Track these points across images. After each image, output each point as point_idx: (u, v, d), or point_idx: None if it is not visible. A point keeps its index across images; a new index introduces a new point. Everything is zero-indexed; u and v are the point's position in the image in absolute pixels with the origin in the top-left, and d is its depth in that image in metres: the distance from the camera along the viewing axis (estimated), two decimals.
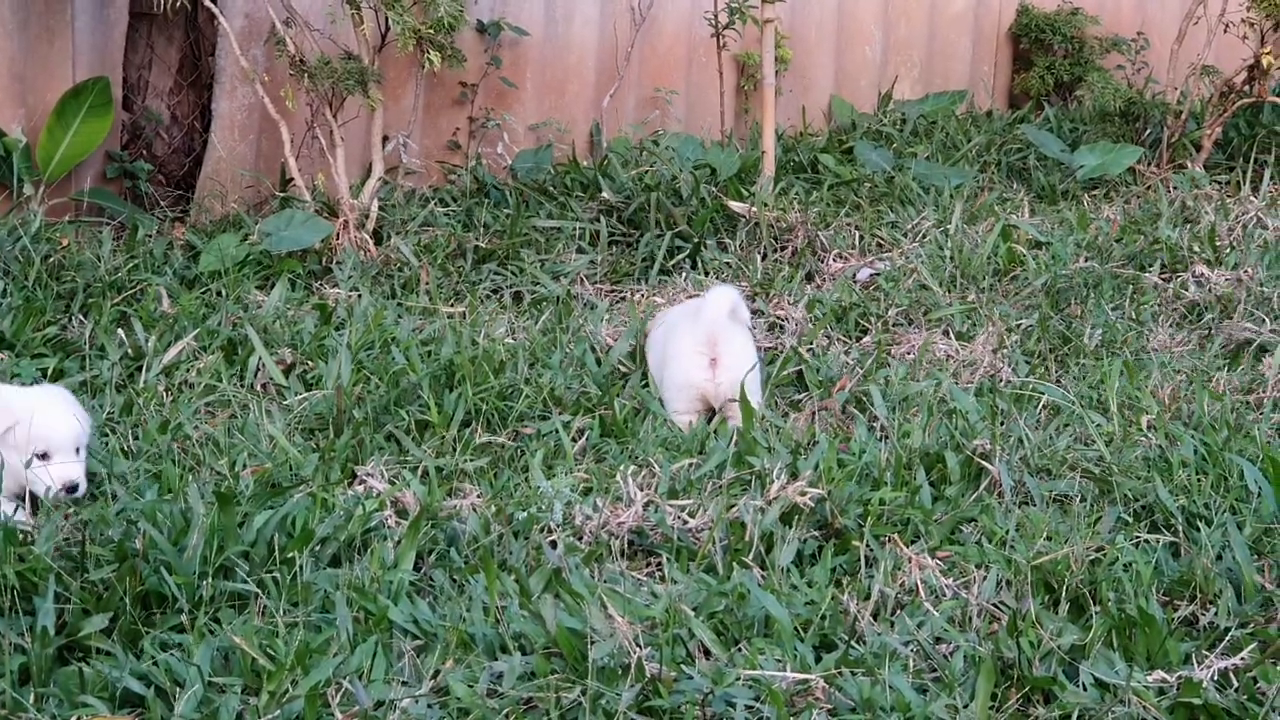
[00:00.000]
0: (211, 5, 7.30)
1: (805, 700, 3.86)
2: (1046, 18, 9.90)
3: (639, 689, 3.82)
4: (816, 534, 4.68)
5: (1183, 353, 6.24)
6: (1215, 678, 3.93)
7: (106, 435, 5.23)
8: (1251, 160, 8.75)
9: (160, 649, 3.99)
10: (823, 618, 4.18)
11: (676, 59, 8.90)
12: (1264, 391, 5.78)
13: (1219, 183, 8.56)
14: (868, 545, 4.55)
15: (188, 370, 5.81)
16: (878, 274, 7.10)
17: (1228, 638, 4.13)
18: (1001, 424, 5.41)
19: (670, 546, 4.61)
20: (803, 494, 4.71)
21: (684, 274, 7.20)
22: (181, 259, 6.93)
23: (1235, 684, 3.93)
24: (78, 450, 4.77)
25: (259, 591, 4.22)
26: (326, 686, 3.82)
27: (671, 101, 8.85)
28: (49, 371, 5.71)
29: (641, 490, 4.80)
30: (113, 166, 7.46)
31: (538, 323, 6.47)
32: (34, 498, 4.72)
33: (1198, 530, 4.65)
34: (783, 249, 7.43)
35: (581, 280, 7.09)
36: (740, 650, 4.03)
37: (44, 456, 4.70)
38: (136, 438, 5.25)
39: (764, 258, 7.31)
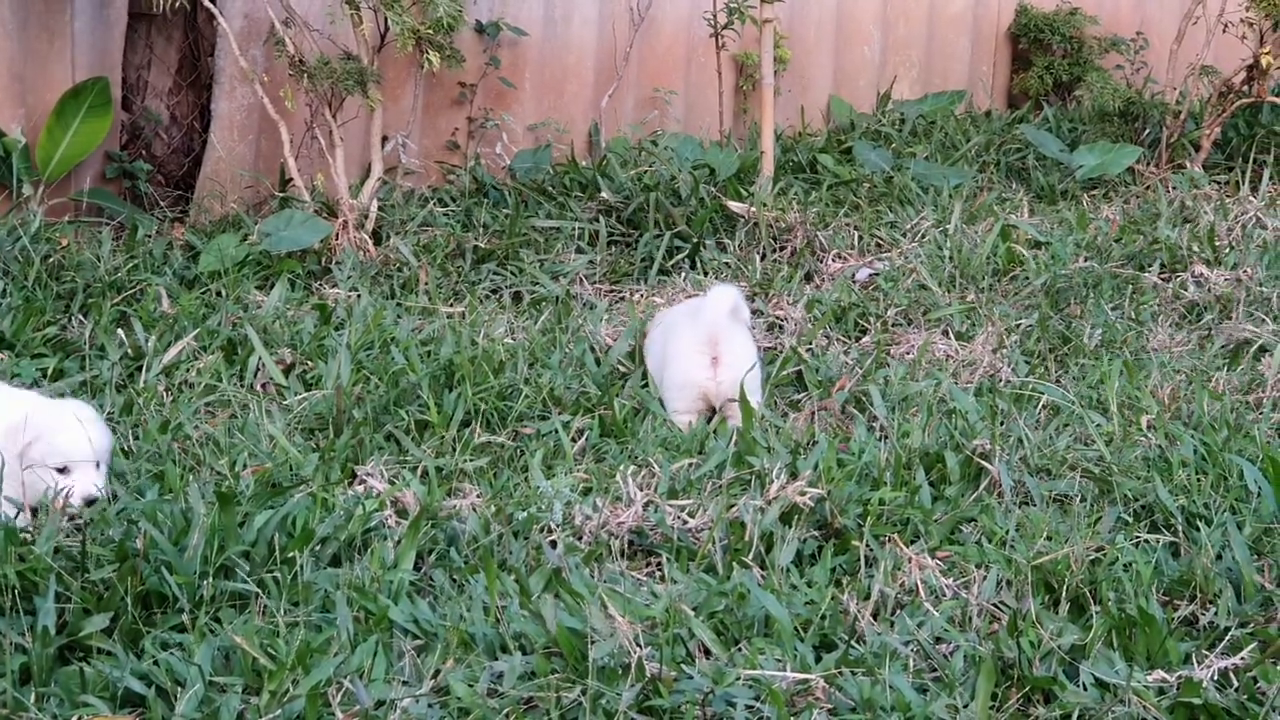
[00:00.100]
0: (211, 5, 7.30)
1: (805, 700, 3.86)
2: (1045, 18, 9.90)
3: (639, 689, 3.82)
4: (816, 534, 4.68)
5: (1182, 353, 6.24)
6: (1215, 677, 3.93)
7: None
8: (1250, 160, 8.75)
9: (161, 648, 3.99)
10: (823, 617, 4.18)
11: (675, 59, 8.90)
12: (1263, 391, 5.78)
13: (1218, 183, 8.56)
14: (867, 545, 4.55)
15: (188, 370, 5.81)
16: (877, 274, 7.10)
17: (1228, 637, 4.13)
18: (1001, 424, 5.42)
19: (670, 546, 4.61)
20: (802, 494, 4.71)
21: (683, 274, 7.20)
22: (181, 259, 6.93)
23: (1235, 684, 3.93)
24: (98, 465, 4.73)
25: (259, 591, 4.22)
26: (327, 686, 3.83)
27: (670, 102, 8.85)
28: (49, 371, 5.71)
29: (641, 490, 4.80)
30: (112, 167, 7.46)
31: (537, 323, 6.48)
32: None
33: (1198, 530, 4.65)
34: (782, 249, 7.43)
35: (581, 280, 7.10)
36: (740, 650, 4.03)
37: (63, 471, 4.67)
38: (137, 438, 5.25)
39: (763, 258, 7.32)
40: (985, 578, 4.38)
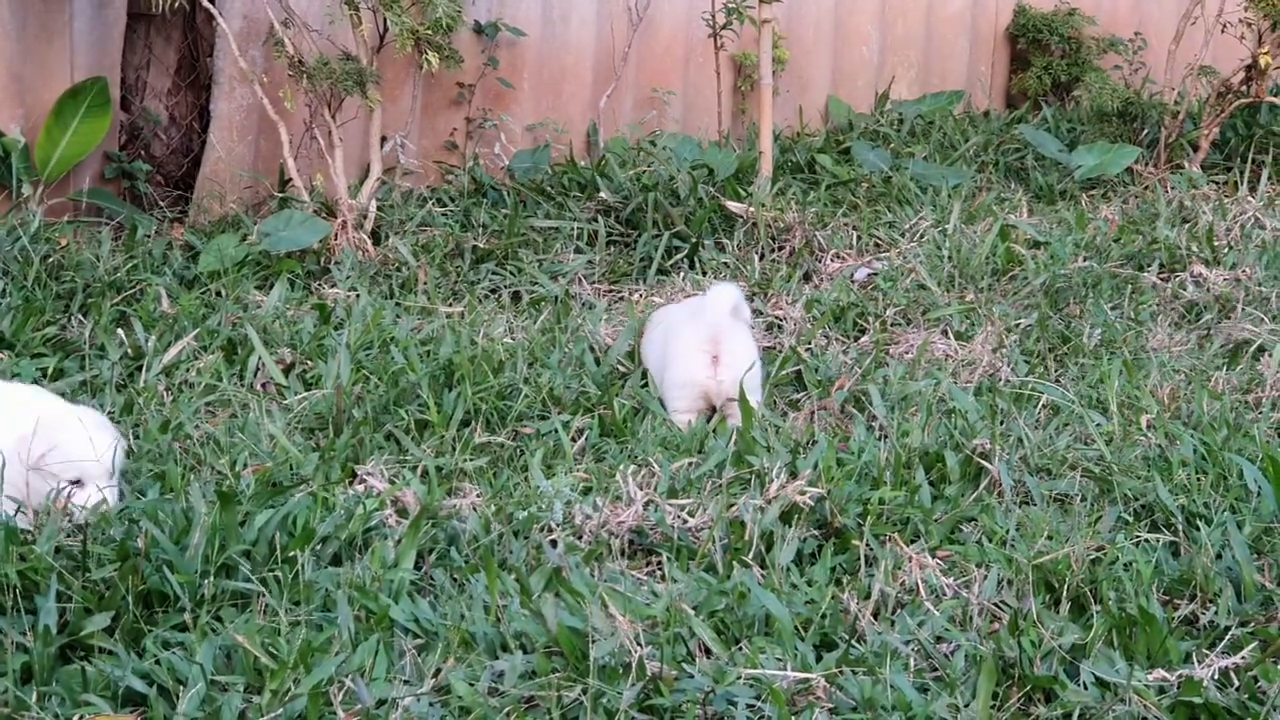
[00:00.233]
0: (210, 6, 7.30)
1: (806, 699, 3.86)
2: (1044, 18, 9.90)
3: (640, 688, 3.82)
4: (816, 533, 4.68)
5: (1181, 352, 6.25)
6: (1216, 676, 3.94)
7: None
8: (1249, 160, 8.75)
9: (162, 648, 4.00)
10: (823, 617, 4.18)
11: (674, 59, 8.91)
12: (1263, 391, 5.79)
13: (1216, 183, 8.57)
14: (867, 544, 4.56)
15: (188, 370, 5.81)
16: (876, 274, 7.10)
17: (1228, 637, 4.13)
18: (1001, 423, 5.42)
19: (670, 545, 4.61)
20: (802, 493, 4.72)
21: (682, 274, 7.20)
22: (181, 259, 6.93)
23: (1236, 683, 3.94)
24: (111, 475, 4.69)
25: (261, 590, 4.22)
26: (329, 685, 3.83)
27: (669, 102, 8.85)
28: (49, 371, 5.71)
29: (641, 489, 4.80)
30: (111, 167, 7.46)
31: (536, 322, 6.48)
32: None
33: (1197, 529, 4.66)
34: (780, 249, 7.43)
35: (580, 280, 7.10)
36: (741, 649, 4.04)
37: (77, 483, 4.63)
38: (137, 437, 5.25)
39: (762, 258, 7.32)
40: (986, 577, 4.38)
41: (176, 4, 7.08)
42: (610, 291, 7.09)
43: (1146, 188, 8.53)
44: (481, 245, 7.28)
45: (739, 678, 3.88)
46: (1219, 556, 4.51)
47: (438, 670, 3.92)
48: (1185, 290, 6.88)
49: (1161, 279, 7.00)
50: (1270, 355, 6.08)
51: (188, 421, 5.35)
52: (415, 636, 4.10)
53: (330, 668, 3.86)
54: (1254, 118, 9.20)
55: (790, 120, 9.23)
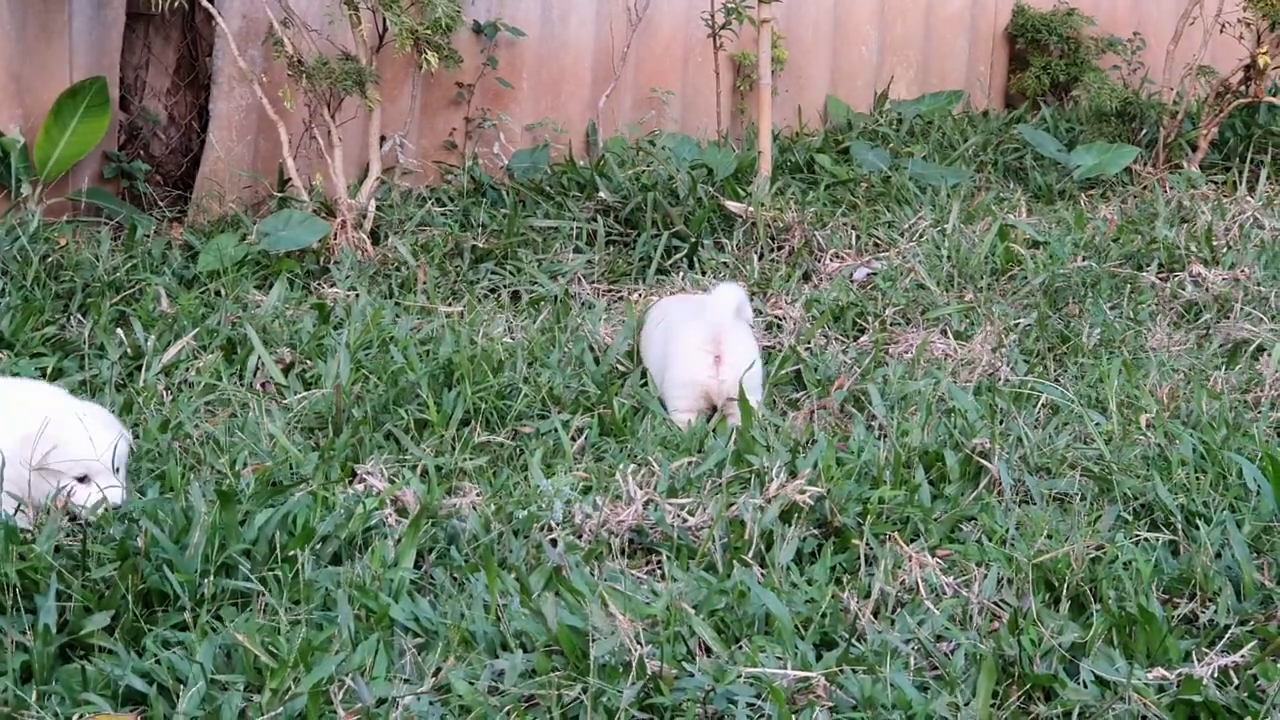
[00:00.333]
0: (209, 6, 7.30)
1: (806, 698, 3.86)
2: (1042, 18, 9.91)
3: (640, 687, 3.82)
4: (816, 532, 4.68)
5: (1181, 351, 6.25)
6: (1215, 675, 3.94)
7: None
8: (1248, 160, 8.76)
9: (162, 647, 4.00)
10: (823, 616, 4.18)
11: (673, 59, 8.91)
12: (1262, 390, 5.79)
13: (1215, 183, 8.57)
14: (867, 543, 4.56)
15: (187, 369, 5.81)
16: (875, 273, 7.10)
17: (1227, 635, 4.13)
18: (1000, 422, 5.42)
19: (670, 544, 4.62)
20: (802, 492, 4.72)
21: (681, 273, 7.21)
22: (180, 259, 6.93)
23: (1235, 681, 3.94)
24: (117, 470, 4.68)
25: (261, 589, 4.22)
26: (329, 684, 3.83)
27: (668, 102, 8.86)
28: (48, 371, 5.71)
29: (641, 489, 4.80)
30: (110, 166, 7.46)
31: (536, 322, 6.48)
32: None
33: (1197, 528, 4.66)
34: (780, 249, 7.43)
35: (579, 280, 7.10)
36: (741, 648, 4.04)
37: (84, 480, 4.64)
38: (137, 436, 5.24)
39: (761, 257, 7.32)
40: (985, 576, 4.38)
41: (176, 4, 7.08)
42: (609, 291, 7.09)
43: (1145, 187, 8.53)
44: (481, 245, 7.28)
45: (739, 676, 3.88)
46: (1218, 555, 4.51)
47: (438, 669, 3.92)
48: (1184, 290, 6.88)
49: (1160, 279, 7.01)
50: (1269, 354, 6.08)
51: (187, 421, 5.35)
52: (415, 635, 4.10)
53: (330, 667, 3.86)
54: (1253, 117, 9.21)
55: (789, 120, 9.23)
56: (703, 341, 5.53)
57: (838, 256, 7.35)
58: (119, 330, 6.04)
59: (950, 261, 7.10)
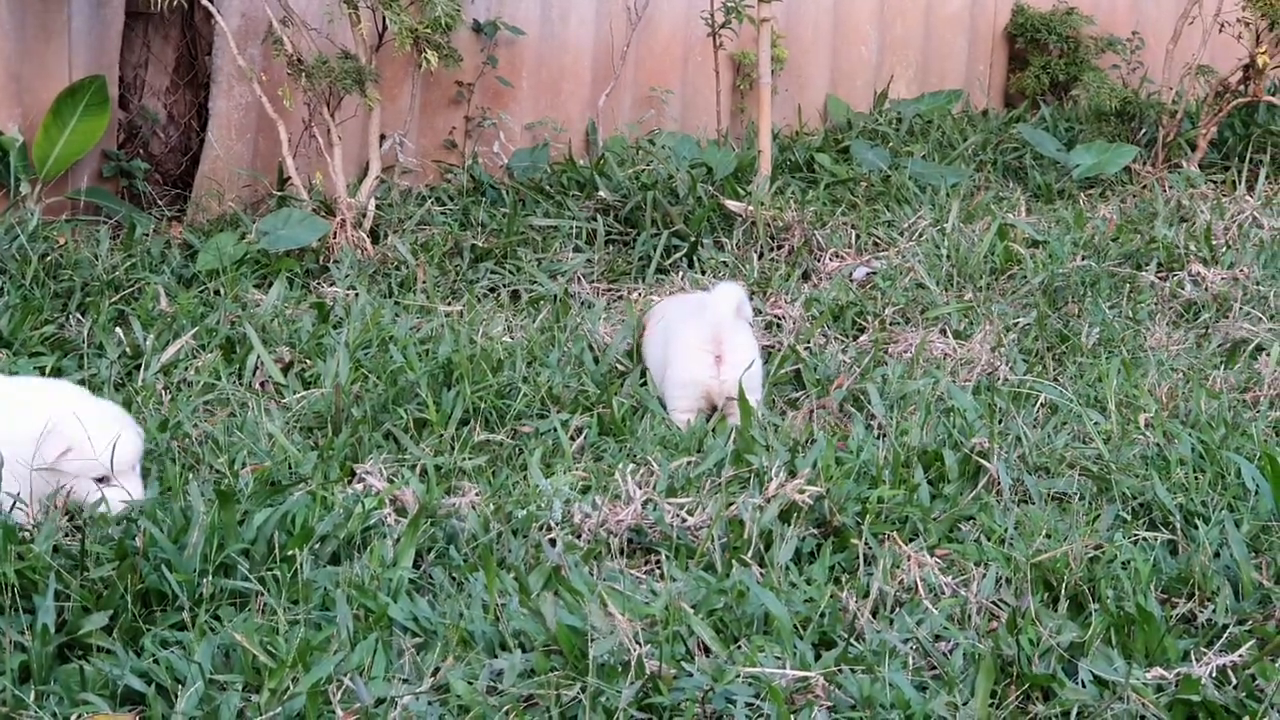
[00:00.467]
0: (208, 4, 7.30)
1: (805, 698, 3.86)
2: (1042, 17, 9.90)
3: (639, 686, 3.82)
4: (815, 532, 4.68)
5: (1180, 351, 6.25)
6: (1214, 675, 3.94)
7: None
8: (1247, 160, 8.76)
9: (161, 646, 4.00)
10: (822, 615, 4.18)
11: (672, 58, 8.91)
12: (1260, 390, 5.79)
13: (1214, 182, 8.57)
14: (866, 543, 4.56)
15: (186, 369, 5.81)
16: (874, 273, 7.10)
17: (1226, 635, 4.13)
18: (999, 422, 5.42)
19: (669, 544, 4.62)
20: (801, 492, 4.72)
21: (681, 273, 7.21)
22: (179, 258, 6.93)
23: (1234, 681, 3.94)
24: (133, 468, 4.69)
25: (259, 589, 4.22)
26: (327, 684, 3.83)
27: (667, 101, 8.85)
28: (47, 370, 5.71)
29: (640, 488, 4.80)
30: (109, 165, 7.46)
31: (535, 321, 6.48)
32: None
33: (1196, 528, 4.66)
34: (779, 248, 7.43)
35: (578, 279, 7.10)
36: (740, 648, 4.04)
37: (102, 480, 4.63)
38: None
39: (760, 257, 7.32)
40: (984, 575, 4.38)
41: (175, 2, 7.08)
42: (609, 290, 7.09)
43: (1144, 187, 8.53)
44: (480, 244, 7.28)
45: (738, 676, 3.88)
46: (1217, 555, 4.51)
47: (436, 669, 3.92)
48: (1183, 289, 6.88)
49: (1159, 278, 7.01)
50: (1268, 354, 6.09)
51: (186, 420, 5.35)
52: (414, 635, 4.10)
53: (329, 666, 3.86)
54: (1252, 117, 9.21)
55: (789, 119, 9.23)
56: (702, 341, 5.52)
57: (837, 256, 7.35)
58: (118, 329, 6.04)
59: (949, 261, 7.10)
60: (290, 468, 5.02)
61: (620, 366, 6.00)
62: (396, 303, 6.64)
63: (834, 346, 6.25)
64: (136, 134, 7.72)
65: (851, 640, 4.08)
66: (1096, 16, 10.05)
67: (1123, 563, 4.48)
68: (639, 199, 7.63)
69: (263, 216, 7.23)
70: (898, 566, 4.43)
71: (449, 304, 6.69)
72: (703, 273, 7.17)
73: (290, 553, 4.34)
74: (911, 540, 4.63)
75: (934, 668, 4.02)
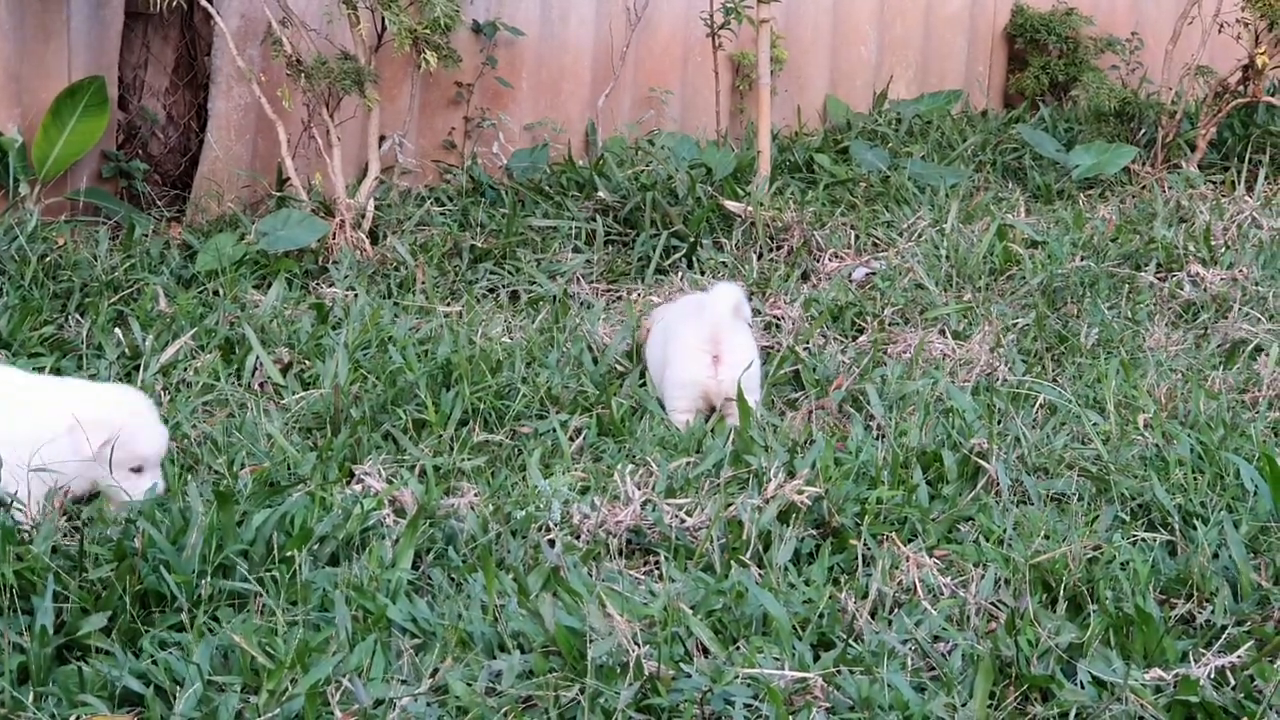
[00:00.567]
0: (208, 5, 7.30)
1: (804, 699, 3.86)
2: (1041, 18, 9.91)
3: (637, 687, 3.82)
4: (814, 533, 4.68)
5: (1178, 352, 6.25)
6: (1212, 676, 3.94)
7: None
8: (1246, 160, 8.76)
9: (159, 648, 4.00)
10: (820, 616, 4.18)
11: (672, 59, 8.91)
12: (1259, 390, 5.79)
13: (1214, 182, 8.57)
14: (865, 544, 4.55)
15: (185, 369, 5.81)
16: (874, 273, 7.10)
17: (1224, 636, 4.13)
18: (998, 423, 5.42)
19: (668, 545, 4.62)
20: (800, 493, 4.72)
21: (680, 273, 7.21)
22: (178, 258, 6.93)
23: (1232, 682, 3.94)
24: (159, 462, 4.75)
25: (258, 590, 4.22)
26: (326, 685, 3.83)
27: (667, 101, 8.86)
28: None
29: (639, 489, 4.80)
30: (108, 166, 7.46)
31: (534, 322, 6.48)
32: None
33: (1194, 529, 4.66)
34: (778, 248, 7.43)
35: (578, 279, 7.10)
36: (738, 648, 4.04)
37: (137, 470, 4.67)
38: None
39: (760, 257, 7.32)
40: (983, 576, 4.38)
41: (174, 3, 7.08)
42: (608, 291, 7.09)
43: (1144, 187, 8.53)
44: (479, 245, 7.28)
45: (736, 677, 3.88)
46: (1215, 556, 4.51)
47: (435, 670, 3.92)
48: (1182, 290, 6.88)
49: (1159, 278, 7.01)
50: (1267, 355, 6.09)
51: (185, 421, 5.35)
52: (413, 636, 4.10)
53: (327, 667, 3.86)
54: (1251, 117, 9.21)
55: (788, 120, 9.23)
56: (701, 341, 5.52)
57: (836, 256, 7.35)
58: (117, 330, 6.04)
59: (949, 261, 7.10)
60: (289, 468, 5.02)
61: (619, 367, 6.00)
62: (396, 303, 6.64)
63: (833, 347, 6.25)
64: (136, 134, 7.72)
65: (850, 641, 4.08)
66: (1096, 17, 10.05)
67: (1121, 564, 4.48)
68: (638, 199, 7.63)
69: (262, 217, 7.24)
70: (896, 567, 4.43)
71: (448, 304, 6.69)
72: (702, 273, 7.17)
73: (289, 554, 4.34)
74: (910, 541, 4.63)
75: (933, 669, 4.02)
